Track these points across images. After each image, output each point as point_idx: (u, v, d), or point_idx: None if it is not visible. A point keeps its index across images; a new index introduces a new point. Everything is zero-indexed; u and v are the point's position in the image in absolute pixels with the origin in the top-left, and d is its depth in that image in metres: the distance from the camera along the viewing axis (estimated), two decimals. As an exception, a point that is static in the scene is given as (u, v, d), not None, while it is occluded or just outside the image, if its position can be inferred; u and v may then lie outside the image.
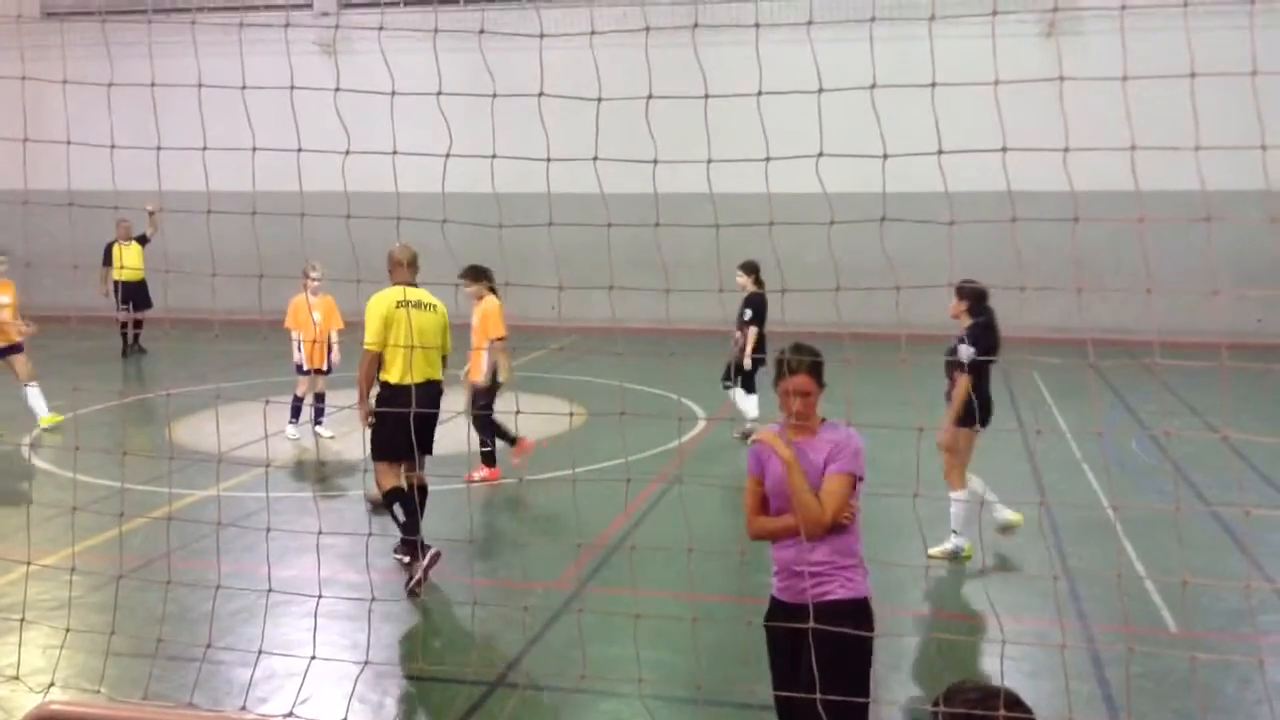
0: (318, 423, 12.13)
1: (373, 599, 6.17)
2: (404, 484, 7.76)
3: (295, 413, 12.03)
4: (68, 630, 6.07)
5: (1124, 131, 3.95)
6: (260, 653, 5.63)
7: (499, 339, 9.93)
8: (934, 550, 7.99)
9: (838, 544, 4.33)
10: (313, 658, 5.18)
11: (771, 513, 4.45)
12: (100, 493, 9.99)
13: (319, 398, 12.12)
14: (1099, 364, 15.53)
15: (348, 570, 7.77)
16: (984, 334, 7.88)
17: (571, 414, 11.39)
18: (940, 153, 4.08)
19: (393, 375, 7.74)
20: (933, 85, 4.03)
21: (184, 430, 12.53)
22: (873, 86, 4.15)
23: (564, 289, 4.64)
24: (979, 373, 7.90)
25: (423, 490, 7.90)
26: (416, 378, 7.67)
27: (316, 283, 11.91)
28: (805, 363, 4.35)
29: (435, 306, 7.92)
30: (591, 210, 4.95)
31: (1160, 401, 13.47)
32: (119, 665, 6.23)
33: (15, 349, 12.34)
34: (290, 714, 4.60)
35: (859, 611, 4.30)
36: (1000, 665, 3.24)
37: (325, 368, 12.08)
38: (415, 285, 7.94)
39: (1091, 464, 10.73)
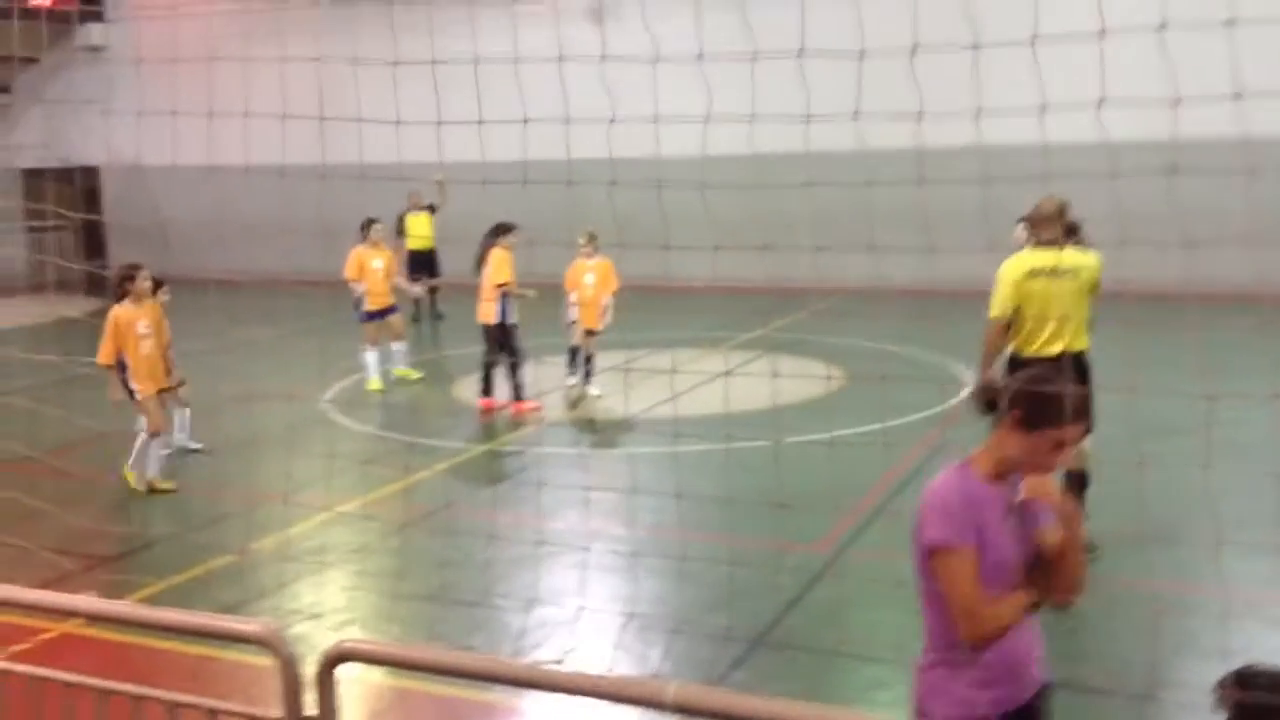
0: (587, 382, 12.55)
1: (636, 554, 6.33)
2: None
3: (572, 360, 12.56)
4: (360, 572, 6.57)
5: None
6: (533, 601, 5.91)
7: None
8: None
9: None
10: (581, 608, 5.39)
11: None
12: (391, 446, 10.72)
13: (588, 359, 12.54)
14: None
15: (614, 524, 8.02)
16: None
17: (829, 377, 11.29)
18: (1237, 97, 3.75)
19: (1018, 345, 7.17)
20: (1229, 23, 3.70)
21: (465, 389, 13.26)
22: (1161, 28, 3.85)
23: (820, 250, 4.58)
24: None
25: (1073, 477, 7.09)
26: (1045, 348, 7.01)
27: (587, 247, 12.39)
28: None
29: (1077, 271, 7.05)
30: (854, 169, 4.86)
31: None
32: (406, 606, 6.71)
33: (392, 310, 13.70)
34: (560, 661, 4.82)
35: None
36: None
37: (597, 328, 12.49)
38: (1058, 244, 7.07)
39: None
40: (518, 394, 11.87)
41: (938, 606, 3.17)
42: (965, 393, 11.68)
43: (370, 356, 13.32)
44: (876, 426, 8.84)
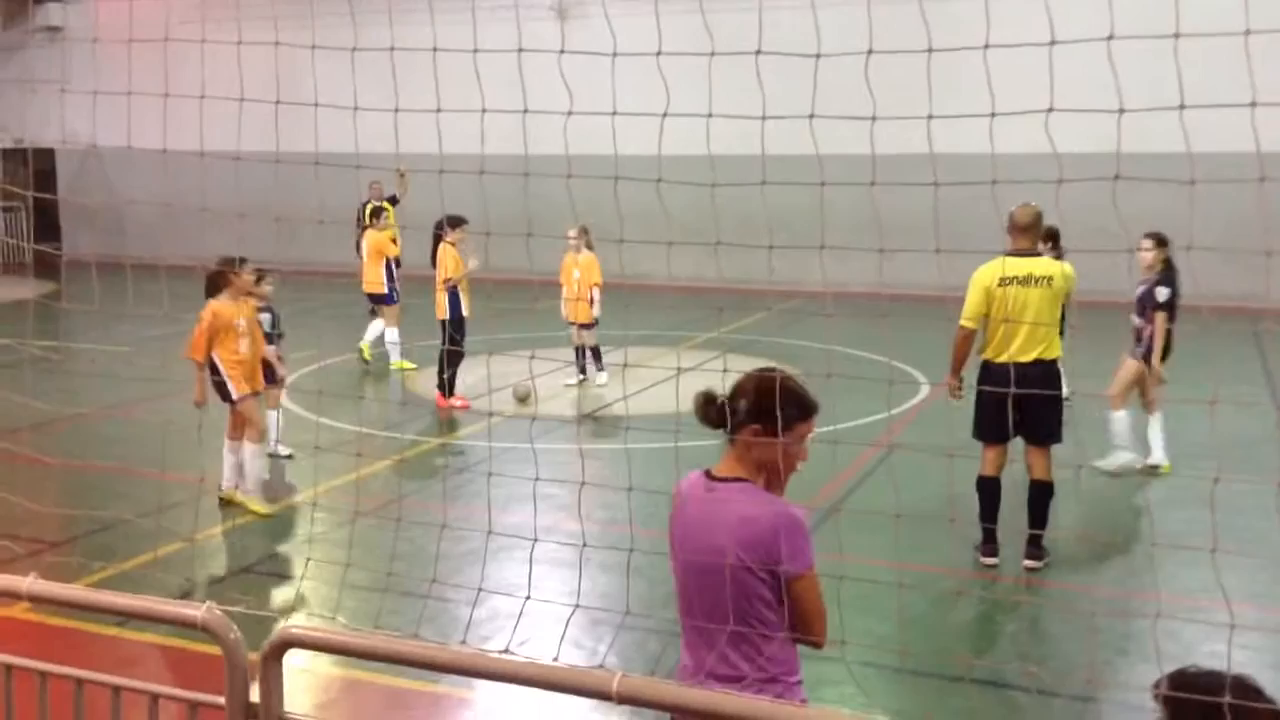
0: (582, 374, 12.68)
1: (584, 545, 6.36)
2: (993, 471, 7.29)
3: (580, 360, 12.69)
4: (309, 561, 6.55)
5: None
6: (480, 590, 5.93)
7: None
8: (1103, 464, 8.70)
9: None
10: (527, 598, 5.42)
11: None
12: (345, 436, 10.67)
13: (594, 351, 12.63)
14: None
15: (566, 519, 8.04)
16: (1174, 275, 8.70)
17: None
18: (1182, 108, 3.84)
19: (990, 352, 7.20)
20: (1176, 36, 3.79)
21: (422, 381, 13.21)
22: (1109, 38, 3.93)
23: (774, 248, 4.63)
24: (1172, 311, 8.62)
25: (1039, 486, 7.22)
26: (1018, 356, 7.04)
27: (576, 241, 12.42)
28: None
29: (1049, 279, 7.05)
30: (811, 172, 4.91)
31: None
32: (355, 597, 6.69)
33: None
34: (506, 650, 4.83)
35: None
36: (1228, 651, 3.10)
37: (586, 320, 12.52)
38: (1033, 253, 7.24)
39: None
40: (449, 388, 11.81)
41: (776, 626, 3.24)
42: (920, 395, 11.81)
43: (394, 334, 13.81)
44: (828, 428, 8.91)
